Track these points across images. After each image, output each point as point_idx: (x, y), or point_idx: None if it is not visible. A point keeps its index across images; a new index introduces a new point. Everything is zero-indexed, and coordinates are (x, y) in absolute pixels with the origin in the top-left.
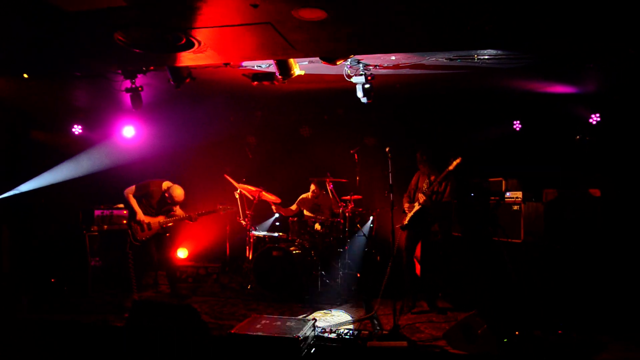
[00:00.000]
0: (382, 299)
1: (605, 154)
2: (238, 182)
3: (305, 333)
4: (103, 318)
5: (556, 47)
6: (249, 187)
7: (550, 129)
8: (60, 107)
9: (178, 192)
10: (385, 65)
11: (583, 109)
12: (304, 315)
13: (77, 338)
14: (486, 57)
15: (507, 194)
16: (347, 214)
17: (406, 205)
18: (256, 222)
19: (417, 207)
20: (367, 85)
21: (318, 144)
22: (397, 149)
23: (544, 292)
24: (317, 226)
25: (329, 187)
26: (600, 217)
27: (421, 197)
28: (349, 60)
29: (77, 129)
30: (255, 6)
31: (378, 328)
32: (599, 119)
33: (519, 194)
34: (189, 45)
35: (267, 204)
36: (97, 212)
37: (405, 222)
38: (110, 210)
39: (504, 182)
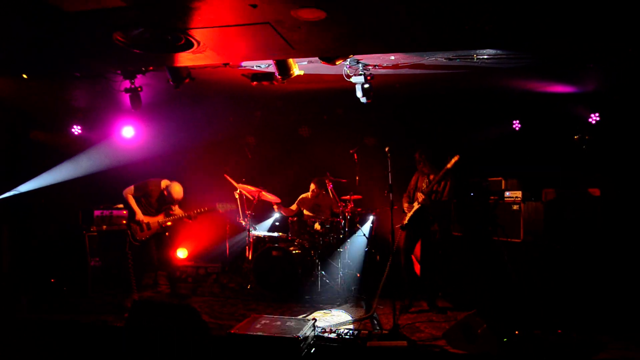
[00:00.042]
0: (382, 298)
1: (605, 154)
2: (238, 182)
3: (305, 333)
4: (103, 318)
5: (556, 47)
6: (249, 187)
7: (550, 128)
8: (60, 107)
9: (177, 189)
10: (385, 65)
11: (582, 109)
12: (304, 315)
13: (76, 338)
14: (485, 56)
15: (507, 194)
16: (346, 214)
17: (406, 205)
18: (256, 222)
19: (416, 206)
20: (366, 85)
21: (317, 144)
22: (397, 149)
23: (544, 292)
24: (317, 226)
25: (329, 186)
26: (599, 217)
27: (420, 196)
28: (348, 60)
29: (76, 129)
30: (254, 6)
31: (378, 328)
32: (598, 119)
33: (519, 194)
34: (188, 46)
35: (266, 204)
36: (97, 212)
37: (405, 222)
38: (110, 211)
39: (503, 181)
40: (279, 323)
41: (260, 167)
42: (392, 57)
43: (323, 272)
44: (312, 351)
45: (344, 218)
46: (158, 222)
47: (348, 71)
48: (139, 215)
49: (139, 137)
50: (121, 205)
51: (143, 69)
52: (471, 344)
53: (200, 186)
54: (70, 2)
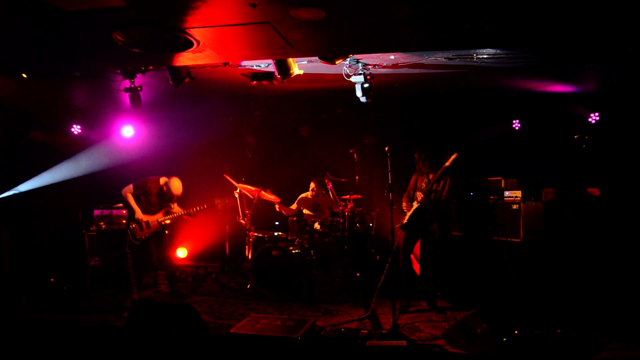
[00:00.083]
0: (381, 298)
1: (605, 154)
2: (237, 182)
3: (305, 333)
4: (102, 318)
5: (556, 47)
6: (249, 186)
7: (550, 128)
8: (60, 107)
9: (176, 184)
10: (385, 64)
11: (582, 108)
12: (304, 315)
13: (76, 338)
14: (485, 56)
15: (507, 193)
16: (346, 214)
17: (405, 204)
18: (256, 221)
19: (415, 205)
20: (366, 85)
21: (317, 144)
22: (397, 149)
23: (544, 292)
24: (317, 225)
25: (329, 186)
26: (599, 217)
27: (419, 195)
28: (348, 59)
29: (76, 129)
30: (253, 6)
31: (377, 327)
32: (598, 118)
33: (518, 193)
34: (187, 45)
35: (266, 203)
36: (97, 212)
37: (405, 221)
38: (110, 210)
39: (503, 181)
40: (278, 323)
41: (260, 167)
42: (392, 57)
43: (323, 272)
44: (311, 351)
45: (344, 217)
46: (157, 220)
47: (348, 71)
48: (138, 213)
49: (138, 136)
50: (121, 205)
51: (143, 68)
52: (471, 344)
53: (200, 186)
54: (70, 1)
